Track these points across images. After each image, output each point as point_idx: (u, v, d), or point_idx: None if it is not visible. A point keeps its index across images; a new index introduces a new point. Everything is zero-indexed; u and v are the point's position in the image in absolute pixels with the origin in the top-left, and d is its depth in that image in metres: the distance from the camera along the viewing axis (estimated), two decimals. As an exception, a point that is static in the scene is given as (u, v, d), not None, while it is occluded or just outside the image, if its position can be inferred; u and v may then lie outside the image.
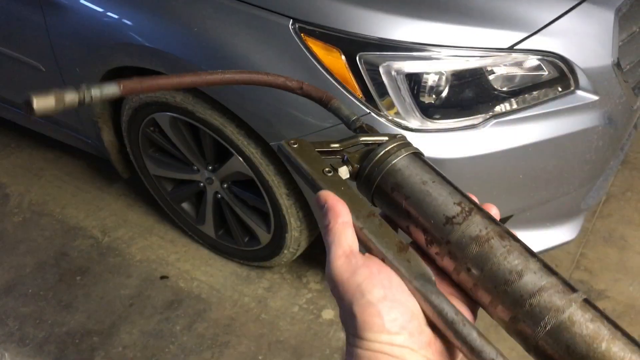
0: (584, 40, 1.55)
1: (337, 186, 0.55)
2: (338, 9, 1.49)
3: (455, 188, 0.54)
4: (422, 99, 1.48)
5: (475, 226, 0.51)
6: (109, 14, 1.77)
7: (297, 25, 1.50)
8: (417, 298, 0.49)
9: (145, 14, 1.72)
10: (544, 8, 1.53)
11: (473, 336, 0.47)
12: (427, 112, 1.49)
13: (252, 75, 0.62)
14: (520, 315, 0.48)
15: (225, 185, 2.02)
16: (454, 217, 0.51)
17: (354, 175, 0.58)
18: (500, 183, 1.61)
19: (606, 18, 1.55)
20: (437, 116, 1.50)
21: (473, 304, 0.53)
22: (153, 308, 2.15)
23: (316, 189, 0.55)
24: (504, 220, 1.72)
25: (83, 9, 1.80)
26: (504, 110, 1.52)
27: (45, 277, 2.27)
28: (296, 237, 1.93)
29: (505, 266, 0.49)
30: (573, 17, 1.53)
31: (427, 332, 0.48)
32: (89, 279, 2.26)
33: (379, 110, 1.49)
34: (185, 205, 2.25)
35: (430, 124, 1.50)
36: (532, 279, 0.48)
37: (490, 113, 1.51)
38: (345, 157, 0.58)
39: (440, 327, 0.48)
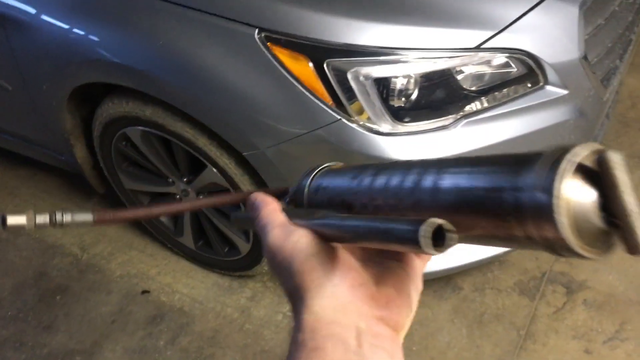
0: (551, 36, 1.56)
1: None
2: (303, 16, 1.48)
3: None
4: (391, 102, 1.48)
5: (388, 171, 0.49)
6: (75, 30, 1.74)
7: (262, 35, 1.48)
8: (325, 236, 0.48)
9: (111, 29, 1.70)
10: (509, 6, 1.53)
11: (379, 223, 0.42)
12: (398, 115, 1.49)
13: (216, 200, 0.66)
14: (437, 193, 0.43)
15: (201, 197, 2.00)
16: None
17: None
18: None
19: (571, 12, 1.55)
20: (408, 119, 1.49)
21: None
22: (135, 324, 2.13)
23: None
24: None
25: (47, 27, 1.77)
26: (474, 109, 1.52)
27: (24, 298, 2.23)
28: (275, 245, 1.92)
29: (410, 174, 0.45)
30: (538, 14, 1.53)
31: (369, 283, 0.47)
32: (69, 298, 2.23)
33: (350, 116, 1.48)
34: (162, 217, 2.22)
35: (402, 127, 1.49)
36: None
37: (461, 113, 1.51)
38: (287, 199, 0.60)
39: (351, 242, 0.46)
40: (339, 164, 0.59)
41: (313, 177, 0.57)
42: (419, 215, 0.41)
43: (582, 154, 0.34)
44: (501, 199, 0.36)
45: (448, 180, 0.41)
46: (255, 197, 0.56)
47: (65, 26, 1.75)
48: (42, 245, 2.44)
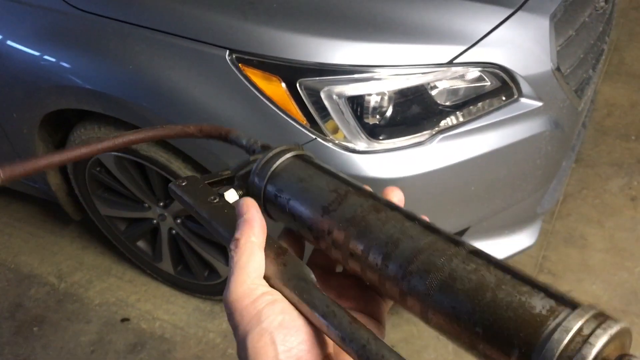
0: (523, 48, 1.56)
1: (221, 210, 0.53)
2: (274, 36, 1.47)
3: (336, 177, 0.52)
4: (366, 120, 1.46)
5: (350, 208, 0.48)
6: (45, 57, 1.71)
7: (234, 56, 1.47)
8: (293, 302, 0.44)
9: (81, 55, 1.67)
10: (480, 20, 1.53)
11: (344, 324, 0.41)
12: (373, 132, 1.47)
13: (148, 133, 0.62)
14: (405, 287, 0.42)
15: (178, 221, 1.97)
16: (329, 205, 0.49)
17: (242, 190, 0.57)
18: (454, 197, 1.60)
19: (542, 25, 1.56)
20: (383, 136, 1.48)
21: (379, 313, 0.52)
22: (116, 353, 2.07)
23: (204, 220, 0.54)
24: (461, 232, 1.71)
25: (15, 53, 1.74)
26: (450, 124, 1.51)
27: (0, 331, 2.18)
28: (256, 267, 1.89)
29: (381, 239, 0.45)
30: (509, 27, 1.53)
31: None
32: (47, 329, 2.18)
33: (325, 135, 1.46)
34: (140, 243, 2.18)
35: (377, 145, 1.48)
36: (409, 244, 0.43)
37: (437, 128, 1.50)
38: (235, 182, 0.57)
39: (317, 326, 0.43)
40: (298, 151, 0.55)
41: (270, 173, 0.53)
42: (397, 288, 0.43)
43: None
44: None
45: (453, 301, 0.40)
46: (247, 209, 0.48)
47: (35, 53, 1.72)
48: (17, 276, 2.38)
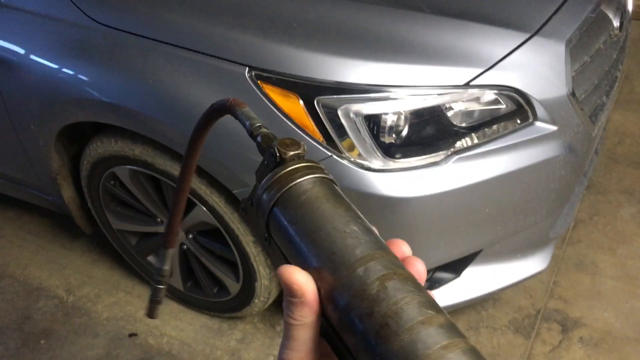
0: (538, 73, 1.57)
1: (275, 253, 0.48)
2: (294, 54, 1.49)
3: (356, 236, 0.43)
4: (382, 139, 1.47)
5: (360, 279, 0.40)
6: (64, 70, 1.73)
7: (253, 73, 1.48)
8: None
9: (100, 68, 1.69)
10: (497, 43, 1.55)
11: None
12: (389, 151, 1.48)
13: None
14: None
15: (190, 236, 1.97)
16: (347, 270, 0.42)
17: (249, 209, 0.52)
18: (467, 218, 1.60)
19: (557, 50, 1.57)
20: (399, 155, 1.49)
21: None
22: (122, 368, 2.06)
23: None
24: (473, 255, 1.70)
25: (35, 66, 1.77)
26: (465, 145, 1.52)
27: (6, 343, 2.17)
28: (266, 285, 1.88)
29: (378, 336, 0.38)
30: (525, 51, 1.55)
31: None
32: (54, 342, 2.17)
33: (341, 152, 1.47)
34: (151, 258, 2.18)
35: (393, 164, 1.49)
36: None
37: (452, 149, 1.51)
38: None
39: None
40: (317, 173, 0.47)
41: (276, 200, 0.46)
42: None
43: None
44: None
45: None
46: (296, 283, 0.42)
47: (55, 66, 1.74)
48: (26, 288, 2.38)
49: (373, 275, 0.40)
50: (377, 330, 0.37)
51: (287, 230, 0.45)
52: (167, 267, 0.83)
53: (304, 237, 0.44)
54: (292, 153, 0.48)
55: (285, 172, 0.47)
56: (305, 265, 0.43)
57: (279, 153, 0.48)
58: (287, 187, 0.46)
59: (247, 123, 0.55)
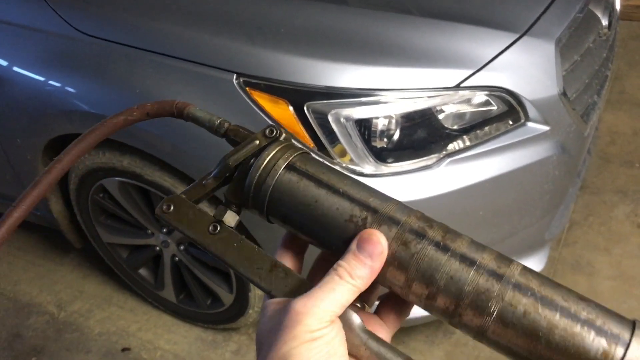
0: (529, 73, 1.56)
1: (229, 243, 0.49)
2: (282, 60, 1.47)
3: (345, 195, 0.48)
4: (374, 143, 1.46)
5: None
6: (51, 82, 1.71)
7: (241, 80, 1.47)
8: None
9: (87, 79, 1.67)
10: (487, 44, 1.54)
11: None
12: (381, 156, 1.47)
13: (92, 136, 0.56)
14: (457, 322, 0.44)
15: (182, 247, 1.94)
16: (351, 238, 0.46)
17: (239, 208, 0.52)
18: (461, 221, 1.58)
19: (547, 49, 1.56)
20: (391, 160, 1.47)
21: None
22: (115, 384, 2.03)
23: (210, 253, 0.50)
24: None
25: (21, 79, 1.74)
26: (457, 148, 1.50)
27: (-3, 361, 2.13)
28: (260, 295, 1.86)
29: (424, 275, 0.44)
30: (515, 52, 1.54)
31: None
32: (45, 359, 2.13)
33: (332, 158, 1.45)
34: (142, 271, 2.15)
35: (385, 168, 1.47)
36: (456, 281, 0.43)
37: (444, 152, 1.49)
38: (224, 194, 0.52)
39: None
40: (290, 152, 0.50)
41: (271, 190, 0.49)
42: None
43: None
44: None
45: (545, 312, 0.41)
46: (373, 258, 0.45)
47: (41, 78, 1.72)
48: (16, 305, 2.34)
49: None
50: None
51: (291, 220, 0.49)
52: None
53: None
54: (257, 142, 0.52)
55: (263, 167, 0.49)
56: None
57: (227, 126, 0.56)
58: (273, 183, 0.49)
59: (206, 121, 0.58)
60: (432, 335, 2.04)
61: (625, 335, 0.39)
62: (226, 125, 0.56)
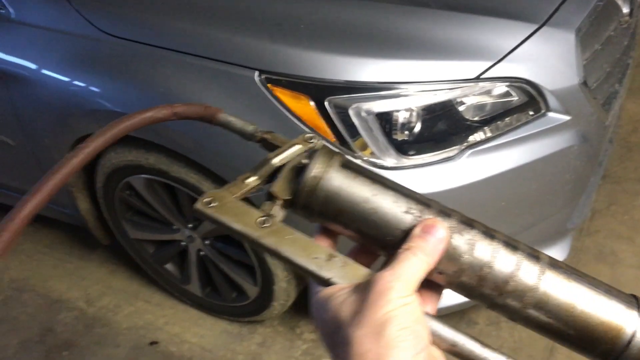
0: (549, 63, 1.56)
1: (282, 236, 0.50)
2: (303, 56, 1.49)
3: (398, 191, 0.52)
4: (395, 136, 1.47)
5: None
6: (75, 82, 1.75)
7: (263, 76, 1.49)
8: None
9: (111, 79, 1.71)
10: (506, 35, 1.54)
11: (478, 350, 0.49)
12: (402, 149, 1.48)
13: (114, 131, 0.54)
14: (501, 299, 0.50)
15: (207, 242, 1.98)
16: (410, 229, 0.50)
17: (285, 206, 0.53)
18: (484, 212, 1.59)
19: (567, 39, 1.56)
20: (412, 152, 1.48)
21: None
22: (145, 377, 2.07)
23: (260, 246, 0.51)
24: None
25: (48, 80, 1.78)
26: (478, 139, 1.51)
27: (30, 355, 2.19)
28: (284, 288, 1.89)
29: (474, 261, 0.50)
30: (535, 42, 1.54)
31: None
32: (76, 353, 2.18)
33: (353, 152, 1.47)
34: (168, 266, 2.19)
35: (407, 161, 1.48)
36: (501, 266, 0.49)
37: (465, 144, 1.50)
38: (269, 191, 0.53)
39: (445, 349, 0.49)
40: (336, 157, 0.53)
41: (325, 193, 0.51)
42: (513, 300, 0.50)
43: None
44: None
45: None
46: (438, 226, 0.50)
47: (66, 79, 1.76)
48: (47, 301, 2.40)
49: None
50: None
51: (342, 220, 0.52)
52: None
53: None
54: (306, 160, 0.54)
55: (312, 179, 0.52)
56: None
57: (262, 133, 0.60)
58: (322, 194, 0.52)
59: (238, 126, 0.61)
60: (455, 325, 2.03)
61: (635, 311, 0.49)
62: (260, 130, 0.60)
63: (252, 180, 0.55)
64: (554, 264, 0.50)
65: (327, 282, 0.50)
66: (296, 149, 0.55)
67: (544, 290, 0.49)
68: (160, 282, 2.28)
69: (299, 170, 0.53)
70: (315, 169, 0.51)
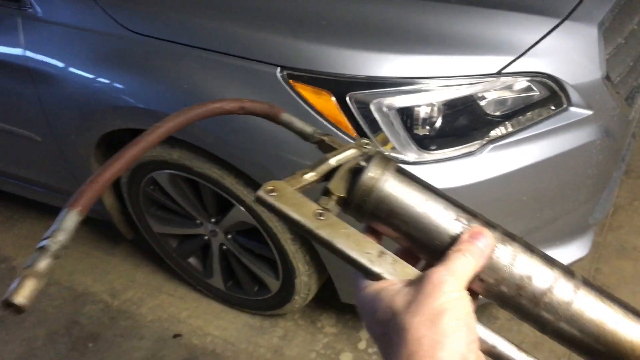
0: (571, 57, 1.56)
1: (337, 229, 0.53)
2: (323, 52, 1.50)
3: (447, 199, 0.55)
4: (416, 131, 1.48)
5: None
6: (100, 79, 1.78)
7: (284, 73, 1.51)
8: None
9: (135, 75, 1.74)
10: (528, 30, 1.54)
11: (515, 354, 0.52)
12: (423, 143, 1.49)
13: (189, 115, 0.59)
14: (536, 311, 0.53)
15: (229, 236, 2.01)
16: (458, 234, 0.53)
17: (339, 204, 0.56)
18: (505, 207, 1.60)
19: (590, 33, 1.56)
20: (434, 147, 1.49)
21: None
22: (168, 368, 2.11)
23: (315, 237, 0.53)
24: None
25: (74, 77, 1.82)
26: (499, 134, 1.51)
27: (57, 347, 2.24)
28: (306, 281, 1.91)
29: (515, 272, 0.53)
30: (557, 36, 1.53)
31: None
32: (102, 345, 2.23)
33: (375, 147, 1.48)
34: (191, 260, 2.23)
35: (428, 156, 1.49)
36: (540, 279, 0.52)
37: (486, 138, 1.50)
38: (326, 187, 0.56)
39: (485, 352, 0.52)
40: (392, 162, 0.56)
41: (379, 193, 0.54)
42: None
43: None
44: None
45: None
46: (483, 235, 0.53)
47: (91, 76, 1.79)
48: (72, 294, 2.45)
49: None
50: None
51: (395, 221, 0.55)
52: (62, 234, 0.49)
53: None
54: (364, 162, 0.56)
55: (368, 179, 0.55)
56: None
57: (319, 135, 0.63)
58: (377, 194, 0.54)
59: (298, 126, 0.65)
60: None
61: None
62: (319, 132, 0.64)
63: (310, 176, 0.57)
64: (587, 282, 0.53)
65: (377, 277, 0.52)
66: (352, 152, 0.59)
67: (578, 306, 0.52)
68: (184, 275, 2.31)
69: (356, 171, 0.56)
70: (373, 171, 0.54)
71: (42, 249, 0.46)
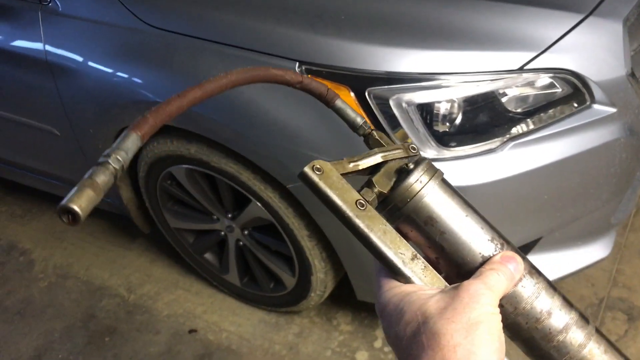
0: (595, 54, 1.53)
1: (375, 222, 0.52)
2: (343, 47, 1.49)
3: (485, 221, 0.55)
4: (436, 127, 1.46)
5: None
6: (119, 73, 1.79)
7: (303, 68, 1.49)
8: None
9: (154, 70, 1.74)
10: (551, 25, 1.51)
11: None
12: (443, 140, 1.47)
13: (251, 74, 0.58)
14: (547, 348, 0.53)
15: (246, 232, 2.00)
16: (490, 256, 0.53)
17: (378, 199, 0.55)
18: (526, 205, 1.57)
19: (615, 29, 1.53)
20: (454, 144, 1.47)
21: None
22: (184, 363, 2.11)
23: (352, 226, 0.52)
24: (532, 243, 1.67)
25: (93, 71, 1.82)
26: (520, 131, 1.49)
27: (74, 340, 2.25)
28: (322, 278, 1.90)
29: (536, 305, 0.53)
30: (581, 32, 1.51)
31: None
32: (118, 339, 2.24)
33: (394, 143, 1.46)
34: (208, 255, 2.23)
35: (447, 152, 1.47)
36: (558, 317, 0.53)
37: (508, 135, 1.48)
38: (370, 179, 0.55)
39: None
40: (438, 173, 0.56)
41: (420, 197, 0.54)
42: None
43: None
44: None
45: None
46: (512, 262, 0.53)
47: (110, 70, 1.80)
48: (89, 288, 2.46)
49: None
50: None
51: (431, 229, 0.55)
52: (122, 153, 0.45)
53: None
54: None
55: (415, 183, 0.54)
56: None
57: (369, 128, 0.63)
58: (420, 199, 0.54)
59: (350, 115, 0.65)
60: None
61: None
62: (369, 126, 0.63)
63: (355, 165, 0.56)
64: (599, 331, 0.55)
65: (406, 279, 0.52)
66: (399, 152, 0.58)
67: (589, 350, 0.53)
68: (200, 271, 2.31)
69: (402, 171, 0.56)
70: (420, 176, 0.54)
71: (102, 164, 0.44)
